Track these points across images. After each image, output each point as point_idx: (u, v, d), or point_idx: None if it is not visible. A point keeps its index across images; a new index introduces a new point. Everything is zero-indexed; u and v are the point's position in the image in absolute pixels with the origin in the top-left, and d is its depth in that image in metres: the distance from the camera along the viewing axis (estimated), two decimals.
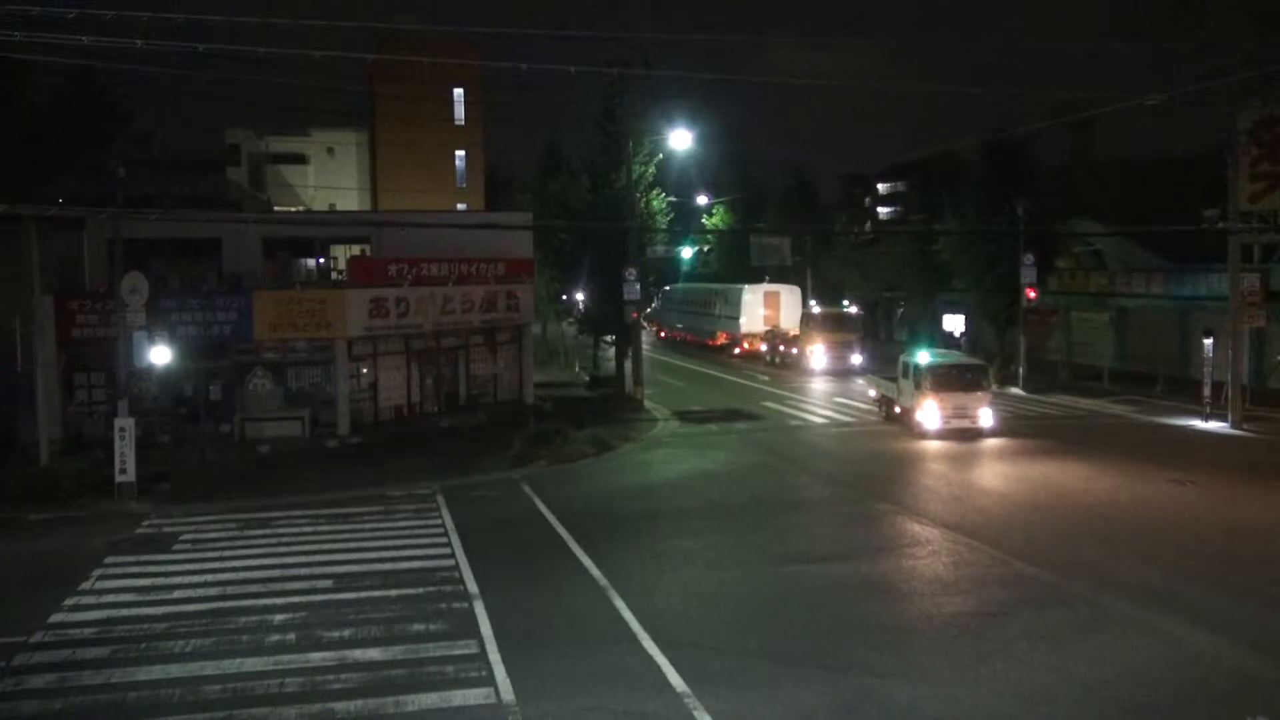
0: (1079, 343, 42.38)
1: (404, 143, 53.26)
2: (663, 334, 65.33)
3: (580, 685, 11.45)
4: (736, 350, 51.38)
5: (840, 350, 43.72)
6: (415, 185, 49.57)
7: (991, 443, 26.42)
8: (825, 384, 40.31)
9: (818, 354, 43.89)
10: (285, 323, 26.46)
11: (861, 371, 41.73)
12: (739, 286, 52.55)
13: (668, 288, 64.50)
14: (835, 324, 44.98)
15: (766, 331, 49.44)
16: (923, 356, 27.70)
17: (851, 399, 35.79)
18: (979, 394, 27.08)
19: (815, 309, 48.32)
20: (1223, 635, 12.75)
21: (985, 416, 27.01)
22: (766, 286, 52.04)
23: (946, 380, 27.01)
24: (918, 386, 27.14)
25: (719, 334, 54.37)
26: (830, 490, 22.13)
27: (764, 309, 50.90)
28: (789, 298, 51.46)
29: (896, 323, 58.30)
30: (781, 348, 47.19)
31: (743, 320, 51.06)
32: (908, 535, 17.88)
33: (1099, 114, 37.88)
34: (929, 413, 26.71)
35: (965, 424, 26.66)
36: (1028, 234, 36.64)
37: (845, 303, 49.23)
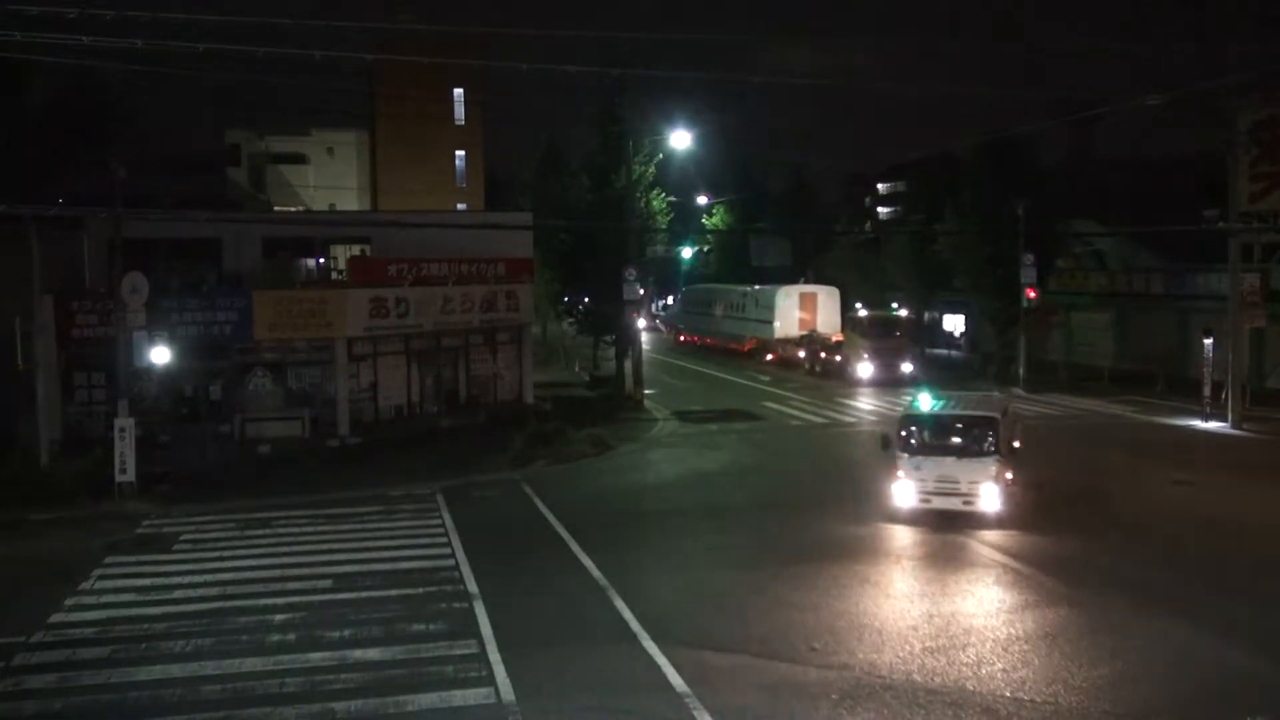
0: (1079, 343, 42.37)
1: (404, 143, 53.25)
2: (682, 338, 59.93)
3: (580, 685, 11.45)
4: (769, 356, 47.35)
5: (889, 358, 39.29)
6: (415, 185, 49.57)
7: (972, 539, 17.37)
8: (874, 396, 36.03)
9: (864, 362, 39.46)
10: (285, 323, 26.43)
11: (913, 381, 37.74)
12: (772, 287, 48.93)
13: (688, 288, 60.84)
14: (883, 328, 40.89)
15: (803, 336, 45.38)
16: (924, 401, 19.51)
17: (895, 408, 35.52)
18: (981, 462, 18.15)
19: (861, 312, 44.36)
20: (1223, 635, 12.76)
21: (988, 495, 17.96)
22: (802, 287, 48.66)
23: (927, 438, 18.74)
24: (885, 446, 19.43)
25: (748, 339, 50.17)
26: (832, 491, 22.11)
27: (800, 312, 46.95)
28: (827, 299, 47.53)
29: None
30: (822, 355, 42.80)
31: (777, 324, 46.93)
32: (908, 535, 17.86)
33: (1099, 114, 37.92)
34: (901, 486, 18.65)
35: (955, 504, 18.17)
36: (1028, 234, 36.65)
37: (894, 305, 44.65)
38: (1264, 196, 30.24)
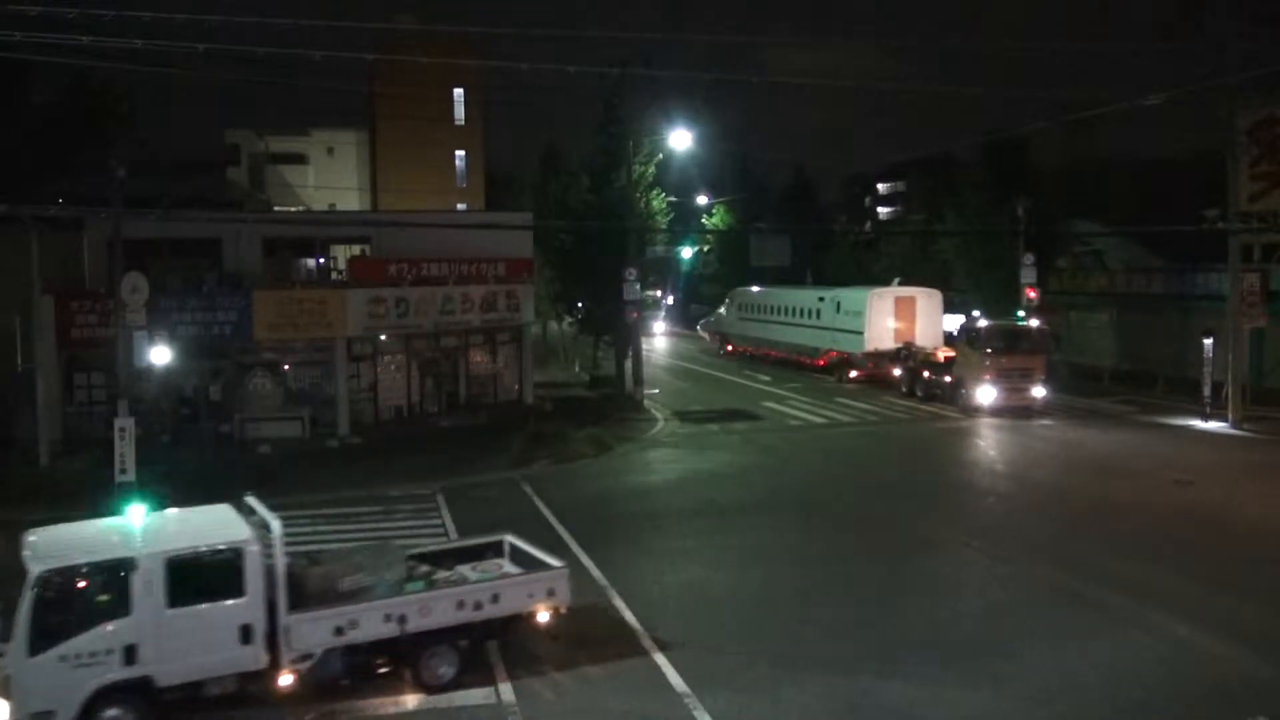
0: (1079, 343, 42.38)
1: (404, 143, 53.28)
2: (729, 347, 50.92)
3: (580, 685, 11.46)
4: (853, 374, 38.74)
5: (1018, 381, 31.12)
6: (415, 185, 49.57)
7: None
8: (997, 429, 29.03)
9: (984, 385, 31.11)
10: (285, 323, 26.44)
11: (1044, 409, 31.23)
12: (860, 289, 40.91)
13: (737, 290, 51.99)
14: (1012, 343, 31.80)
15: (899, 350, 36.94)
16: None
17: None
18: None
19: (980, 322, 35.15)
20: (1223, 635, 12.76)
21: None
22: (897, 290, 40.33)
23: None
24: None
25: (824, 351, 41.30)
26: (830, 492, 22.11)
27: (894, 320, 38.59)
28: (927, 305, 39.16)
29: None
30: (926, 375, 34.52)
31: (867, 334, 38.42)
32: (907, 535, 17.87)
33: (1099, 114, 37.90)
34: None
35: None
36: (1028, 234, 36.64)
37: (1021, 313, 34.80)
38: (1264, 196, 30.21)
